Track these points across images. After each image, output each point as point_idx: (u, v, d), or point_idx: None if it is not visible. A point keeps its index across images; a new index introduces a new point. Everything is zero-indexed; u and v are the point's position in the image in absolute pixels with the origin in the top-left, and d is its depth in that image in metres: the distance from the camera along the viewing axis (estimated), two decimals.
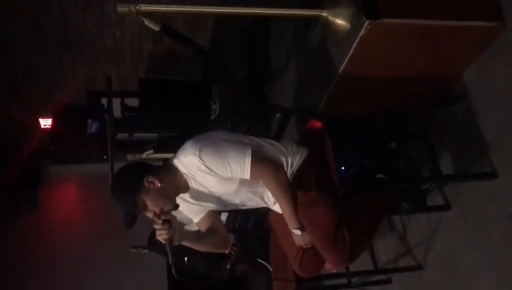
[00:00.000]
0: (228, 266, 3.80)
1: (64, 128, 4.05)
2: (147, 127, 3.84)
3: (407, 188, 2.27)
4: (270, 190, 1.94)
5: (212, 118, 3.08)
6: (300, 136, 2.42)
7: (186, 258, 3.76)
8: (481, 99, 2.12)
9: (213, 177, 1.87)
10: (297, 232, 1.94)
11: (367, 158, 2.22)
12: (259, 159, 1.88)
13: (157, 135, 4.10)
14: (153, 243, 3.93)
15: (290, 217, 1.93)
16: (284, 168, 1.94)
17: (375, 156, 2.24)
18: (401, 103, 2.17)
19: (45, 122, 5.37)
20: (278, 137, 2.48)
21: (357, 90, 2.14)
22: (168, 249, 1.88)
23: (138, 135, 4.16)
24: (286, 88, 3.27)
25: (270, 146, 1.98)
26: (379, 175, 2.18)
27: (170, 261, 1.94)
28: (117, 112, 3.89)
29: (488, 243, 2.07)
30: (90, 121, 3.86)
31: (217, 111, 3.27)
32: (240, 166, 1.85)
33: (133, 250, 4.06)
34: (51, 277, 5.19)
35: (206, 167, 1.83)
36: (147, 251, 4.03)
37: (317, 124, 2.19)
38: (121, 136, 4.07)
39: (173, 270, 1.96)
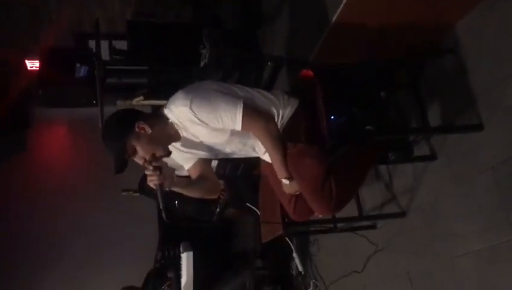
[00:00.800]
0: (217, 210, 3.91)
1: (52, 72, 3.97)
2: (136, 72, 3.79)
3: (395, 138, 2.32)
4: (260, 141, 1.96)
5: (202, 64, 3.04)
6: (292, 86, 2.42)
7: (176, 202, 3.83)
8: (472, 52, 2.12)
9: (204, 128, 1.89)
10: (286, 181, 1.98)
11: (357, 108, 2.24)
12: (251, 111, 1.88)
13: (146, 79, 4.05)
14: (143, 188, 4.00)
15: (280, 167, 1.96)
16: (274, 120, 1.95)
17: (365, 107, 2.26)
18: (393, 53, 2.16)
19: (32, 64, 5.25)
20: (269, 86, 2.47)
21: (349, 40, 2.12)
22: (158, 194, 1.92)
23: (127, 80, 4.11)
24: (278, 36, 3.22)
25: (261, 97, 1.98)
26: (368, 127, 2.21)
27: (160, 207, 1.98)
28: (105, 55, 3.81)
29: (471, 193, 2.14)
30: (78, 65, 3.79)
31: (207, 56, 3.22)
32: (231, 118, 1.86)
33: (123, 193, 4.14)
34: (39, 220, 5.25)
35: (197, 118, 1.84)
36: (137, 194, 4.11)
37: (308, 73, 2.18)
38: (110, 80, 4.02)
39: (163, 215, 2.01)
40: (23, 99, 5.51)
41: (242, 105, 1.86)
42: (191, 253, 3.55)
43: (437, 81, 2.31)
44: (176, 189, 2.00)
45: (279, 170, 1.97)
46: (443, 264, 2.33)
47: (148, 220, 4.71)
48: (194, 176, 2.11)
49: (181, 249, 3.62)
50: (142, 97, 2.97)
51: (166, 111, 1.92)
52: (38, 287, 5.04)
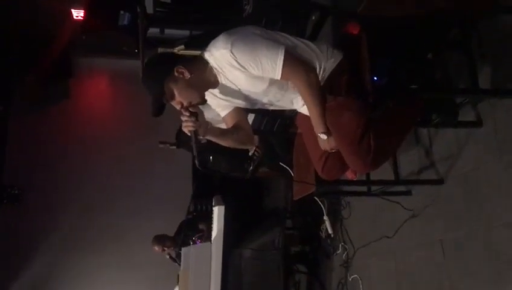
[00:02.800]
0: (251, 167, 3.92)
1: (96, 19, 4.02)
2: (179, 23, 3.77)
3: (440, 100, 2.23)
4: (299, 92, 1.92)
5: (244, 15, 2.99)
6: (336, 40, 2.34)
7: (210, 157, 3.87)
8: None
9: (243, 73, 1.86)
10: (323, 136, 1.94)
11: (403, 67, 2.16)
12: (292, 60, 1.84)
13: (188, 32, 4.03)
14: (180, 140, 4.05)
15: (317, 121, 1.92)
16: (316, 71, 1.90)
17: (411, 66, 2.18)
18: (447, 7, 2.03)
19: (77, 14, 5.32)
20: (312, 37, 2.40)
21: None
22: (193, 141, 1.93)
23: (169, 32, 4.11)
24: None
25: (305, 46, 1.93)
26: (413, 86, 2.14)
27: (194, 153, 1.99)
28: (149, 8, 3.81)
29: None
30: (122, 12, 3.80)
31: (250, 11, 3.16)
32: (272, 65, 1.82)
33: (161, 145, 4.19)
34: (80, 167, 5.44)
35: (237, 62, 1.81)
36: (174, 147, 4.17)
37: (355, 28, 2.10)
38: (152, 32, 4.02)
39: (196, 162, 2.02)
40: (68, 49, 5.63)
41: (284, 52, 1.81)
42: (223, 207, 3.60)
43: (491, 42, 2.19)
44: (209, 137, 1.99)
45: (317, 124, 1.93)
46: (478, 235, 2.26)
47: (183, 174, 4.80)
48: (229, 124, 2.10)
49: (213, 203, 3.67)
50: (183, 46, 2.96)
51: (206, 55, 1.90)
52: (82, 230, 5.27)
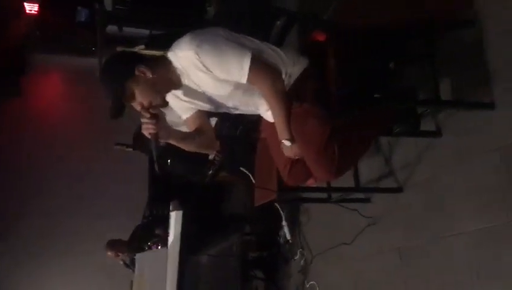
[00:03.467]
0: (210, 172, 3.86)
1: (51, 15, 3.85)
2: (139, 22, 3.67)
3: (402, 110, 2.25)
4: (264, 97, 1.89)
5: (207, 16, 2.94)
6: (302, 47, 2.33)
7: (169, 160, 3.79)
8: (492, 26, 2.04)
9: (208, 76, 1.81)
10: (287, 143, 1.92)
11: (367, 76, 2.17)
12: (259, 64, 1.81)
13: (148, 31, 3.94)
14: (137, 142, 3.94)
15: (282, 127, 1.90)
16: (282, 76, 1.88)
17: (375, 75, 2.19)
18: (412, 19, 2.07)
19: (30, 8, 5.09)
20: (278, 44, 2.38)
21: (365, 2, 2.03)
22: (152, 144, 1.86)
23: (128, 30, 4.00)
24: None
25: (270, 51, 1.90)
26: (376, 95, 2.15)
27: (153, 156, 1.93)
28: (108, 5, 3.69)
29: (472, 173, 2.10)
30: (79, 8, 3.66)
31: (213, 11, 3.12)
32: (238, 69, 1.78)
33: (117, 147, 4.08)
34: (29, 165, 5.21)
35: (202, 64, 1.76)
36: (131, 149, 4.05)
37: (321, 36, 2.10)
38: (110, 29, 3.90)
39: (156, 166, 1.96)
40: (20, 45, 5.38)
41: (250, 56, 1.77)
42: (180, 212, 3.52)
43: (452, 54, 2.23)
44: (171, 140, 1.94)
45: (281, 130, 1.90)
46: (435, 242, 2.30)
47: (139, 177, 4.66)
48: (191, 128, 2.04)
49: (170, 208, 3.58)
50: (143, 46, 2.88)
51: (170, 54, 1.84)
52: (32, 236, 5.03)
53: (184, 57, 1.79)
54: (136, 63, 1.81)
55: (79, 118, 5.43)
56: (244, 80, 1.80)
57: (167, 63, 1.84)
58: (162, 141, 1.91)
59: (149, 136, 1.84)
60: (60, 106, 5.67)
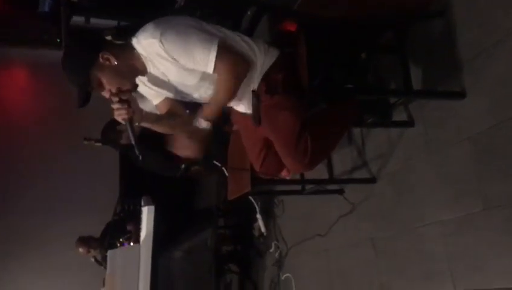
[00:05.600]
0: (183, 166, 3.80)
1: (13, 4, 3.69)
2: (106, 13, 3.56)
3: (374, 101, 2.24)
4: (221, 84, 1.81)
5: (176, 6, 2.86)
6: (273, 37, 2.30)
7: (139, 155, 3.70)
8: (462, 17, 2.04)
9: (173, 65, 1.76)
10: (203, 123, 1.86)
11: (338, 67, 2.15)
12: (226, 53, 1.75)
13: (115, 23, 3.82)
14: (106, 136, 3.84)
15: (213, 108, 1.85)
16: (248, 65, 1.82)
17: (346, 65, 2.17)
18: (381, 10, 2.05)
19: None
20: (248, 35, 2.34)
21: None
22: (128, 129, 1.82)
23: (95, 22, 3.87)
24: None
25: (240, 40, 1.86)
26: (348, 85, 2.13)
27: (132, 141, 1.87)
28: None
29: (444, 162, 2.10)
30: None
31: (182, 2, 3.04)
32: (204, 57, 1.73)
33: (85, 142, 3.95)
34: None
35: (167, 53, 1.71)
36: (99, 144, 3.94)
37: (291, 26, 2.07)
38: (76, 20, 3.77)
39: (136, 150, 1.90)
40: None
41: (217, 44, 1.72)
42: (152, 207, 3.45)
43: (422, 45, 2.23)
44: (145, 124, 1.90)
45: (210, 109, 1.85)
46: (408, 232, 2.31)
47: (109, 172, 4.57)
48: (163, 111, 2.00)
49: (142, 203, 3.51)
50: (110, 37, 2.78)
51: (134, 41, 1.79)
52: None
53: (148, 45, 1.74)
54: (100, 49, 1.75)
55: (46, 112, 5.25)
56: (210, 69, 1.75)
57: (131, 49, 1.80)
58: (137, 125, 1.87)
59: (123, 122, 1.79)
60: (25, 100, 5.47)
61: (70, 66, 1.76)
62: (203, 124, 1.85)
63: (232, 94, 1.83)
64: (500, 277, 1.82)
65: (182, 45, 1.70)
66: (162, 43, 1.69)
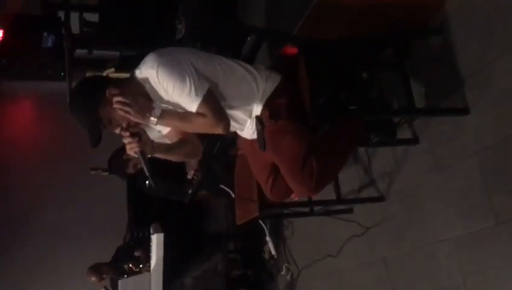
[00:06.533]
0: (190, 191, 3.80)
1: (17, 41, 3.73)
2: (107, 44, 3.60)
3: (378, 120, 2.25)
4: (197, 125, 1.85)
5: (177, 37, 2.90)
6: (274, 61, 2.32)
7: (147, 182, 3.71)
8: (461, 33, 2.05)
9: (167, 94, 1.80)
10: (153, 119, 1.82)
11: (340, 88, 2.16)
12: (210, 102, 1.79)
13: (117, 53, 3.87)
14: (113, 166, 3.85)
15: (171, 122, 1.87)
16: (227, 121, 1.86)
17: (348, 87, 2.19)
18: (380, 30, 2.08)
19: None
20: (249, 61, 2.36)
21: (336, 14, 2.03)
22: (142, 162, 1.83)
23: (98, 53, 3.92)
24: (260, 9, 3.08)
25: (241, 68, 1.88)
26: (352, 106, 2.14)
27: (146, 173, 1.89)
28: (75, 28, 3.61)
29: (453, 178, 2.10)
30: (45, 34, 3.57)
31: (183, 31, 3.08)
32: (189, 101, 1.77)
33: (92, 172, 3.97)
34: (5, 196, 5.05)
35: (160, 84, 1.77)
36: (106, 173, 3.95)
37: (292, 49, 2.09)
38: (79, 52, 3.82)
39: (150, 180, 1.92)
40: None
41: (205, 93, 1.77)
42: (162, 235, 3.44)
43: (423, 62, 2.24)
44: (157, 155, 1.91)
45: (167, 121, 1.86)
46: (420, 250, 2.29)
47: (117, 201, 4.56)
48: (174, 139, 2.01)
49: (151, 231, 3.50)
50: (113, 69, 2.82)
51: (137, 72, 1.82)
52: (6, 267, 4.87)
53: (147, 74, 1.79)
54: (105, 86, 1.79)
55: (52, 143, 5.29)
56: (193, 110, 1.79)
57: (135, 80, 1.83)
58: (149, 156, 1.88)
59: (135, 155, 1.81)
60: (31, 132, 5.52)
61: (78, 108, 1.80)
62: (153, 119, 1.82)
63: (201, 130, 1.87)
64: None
65: (173, 82, 1.75)
66: (157, 73, 1.74)
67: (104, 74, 2.94)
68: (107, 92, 1.77)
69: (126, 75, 2.89)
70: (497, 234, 1.87)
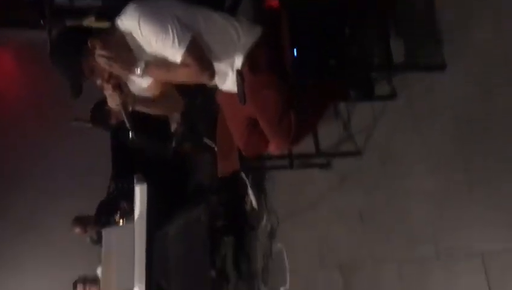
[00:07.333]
0: (173, 144, 3.83)
1: None
2: None
3: (357, 75, 2.28)
4: (182, 75, 1.85)
5: None
6: (256, 15, 2.30)
7: (130, 136, 3.72)
8: None
9: (148, 44, 1.80)
10: (139, 71, 1.82)
11: (321, 43, 2.17)
12: (194, 52, 1.78)
13: (100, 3, 3.79)
14: (95, 117, 3.85)
15: (159, 75, 1.87)
16: (212, 69, 1.86)
17: (329, 41, 2.19)
18: None
19: None
20: (231, 14, 2.34)
21: None
22: (123, 114, 1.86)
23: (79, 2, 3.84)
24: None
25: (222, 20, 1.88)
26: (331, 61, 2.16)
27: (127, 125, 1.92)
28: None
29: (428, 133, 2.15)
30: None
31: None
32: (173, 51, 1.77)
33: (74, 123, 3.97)
34: None
35: (143, 36, 1.76)
36: (89, 124, 3.95)
37: (274, 2, 2.08)
38: (59, 1, 3.74)
39: (132, 132, 1.95)
40: None
41: (189, 42, 1.76)
42: (145, 185, 3.50)
43: (404, 16, 2.25)
44: (139, 107, 1.94)
45: (156, 73, 1.86)
46: (394, 203, 2.37)
47: (100, 153, 4.58)
48: (154, 93, 2.02)
49: (135, 181, 3.55)
50: (93, 18, 2.77)
51: (118, 22, 1.81)
52: None
53: (129, 26, 1.78)
54: (86, 36, 1.77)
55: (33, 93, 5.23)
56: (178, 60, 1.79)
57: (117, 31, 1.82)
58: (131, 110, 1.90)
59: (116, 107, 1.82)
60: (10, 82, 5.44)
61: (60, 59, 1.80)
62: (139, 71, 1.82)
63: (187, 80, 1.86)
64: (480, 241, 1.89)
65: (156, 33, 1.74)
66: (139, 25, 1.73)
67: (85, 23, 2.89)
68: (88, 43, 1.76)
69: (107, 24, 2.86)
70: (468, 189, 1.94)
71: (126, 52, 1.84)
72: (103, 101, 3.31)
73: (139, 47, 1.82)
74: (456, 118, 2.00)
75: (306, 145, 2.73)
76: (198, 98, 2.99)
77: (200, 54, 1.80)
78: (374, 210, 2.52)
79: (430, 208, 2.14)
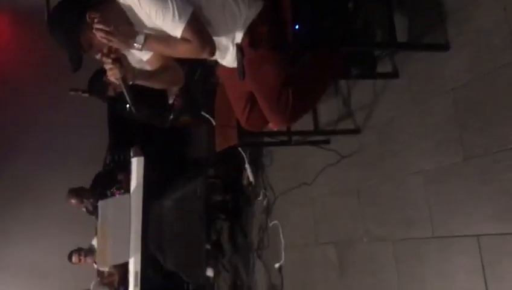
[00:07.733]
0: (171, 116, 3.80)
1: None
2: None
3: (359, 53, 2.24)
4: (182, 50, 1.82)
5: None
6: None
7: (127, 106, 3.69)
8: None
9: (149, 18, 1.76)
10: (138, 45, 1.78)
11: (323, 16, 2.13)
12: (195, 26, 1.74)
13: None
14: (93, 87, 3.81)
15: (157, 44, 1.82)
16: (213, 45, 1.81)
17: (332, 15, 2.15)
18: None
19: None
20: None
21: None
22: (123, 88, 1.83)
23: None
24: None
25: None
26: (334, 36, 2.12)
27: (128, 99, 1.89)
28: None
29: (428, 113, 2.13)
30: None
31: None
32: (173, 26, 1.73)
33: (72, 93, 3.93)
34: None
35: (143, 9, 1.72)
36: (86, 94, 3.92)
37: None
38: None
39: (132, 107, 1.93)
40: None
41: (189, 16, 1.71)
42: (142, 157, 3.49)
43: None
44: (139, 81, 1.90)
45: (156, 46, 1.82)
46: (391, 181, 2.37)
47: (97, 123, 4.55)
48: (156, 66, 1.99)
49: (131, 154, 3.54)
50: None
51: None
52: None
53: None
54: (85, 9, 1.74)
55: (31, 62, 5.17)
56: (178, 35, 1.75)
57: (116, 3, 1.78)
58: (130, 83, 1.87)
59: (116, 81, 1.80)
60: (6, 48, 5.36)
61: (59, 31, 1.76)
62: (137, 45, 1.78)
63: (187, 55, 1.82)
64: (476, 223, 1.89)
65: (156, 6, 1.70)
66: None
67: None
68: (87, 16, 1.72)
69: None
70: (465, 169, 1.94)
71: (125, 25, 1.80)
72: (102, 71, 3.28)
73: (139, 20, 1.78)
74: (456, 99, 1.98)
75: (305, 122, 2.72)
76: (197, 70, 2.95)
77: (200, 29, 1.76)
78: (371, 188, 2.52)
79: (427, 187, 2.14)
